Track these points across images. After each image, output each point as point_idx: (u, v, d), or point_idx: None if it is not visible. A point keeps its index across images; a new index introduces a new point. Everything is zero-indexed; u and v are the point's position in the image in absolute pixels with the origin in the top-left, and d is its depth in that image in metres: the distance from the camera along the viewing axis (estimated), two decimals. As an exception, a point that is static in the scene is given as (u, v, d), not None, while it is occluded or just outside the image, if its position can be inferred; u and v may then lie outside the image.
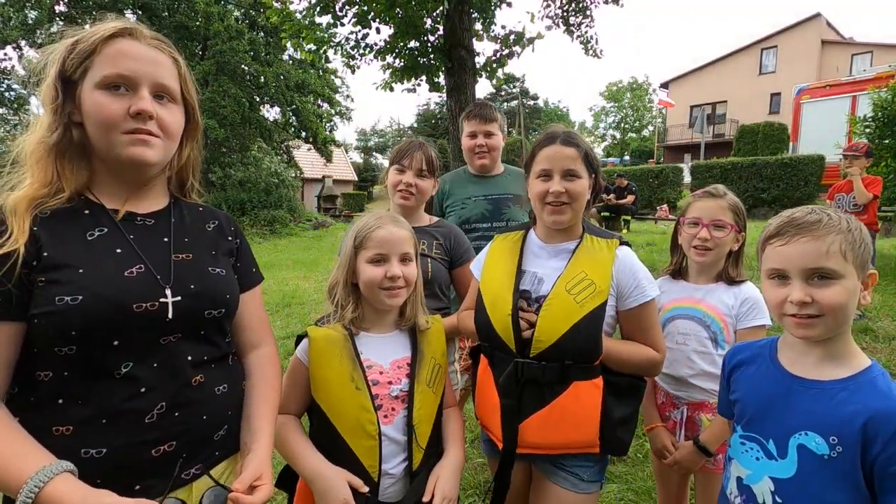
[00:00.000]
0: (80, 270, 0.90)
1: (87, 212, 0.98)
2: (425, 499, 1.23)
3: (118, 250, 0.96)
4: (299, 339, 1.33)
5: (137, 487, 0.93)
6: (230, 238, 1.18)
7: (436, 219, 2.11)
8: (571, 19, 7.64)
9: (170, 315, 0.96)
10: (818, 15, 25.39)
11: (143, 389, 0.93)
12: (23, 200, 0.92)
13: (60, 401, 0.90)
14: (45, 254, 0.89)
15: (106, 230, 0.97)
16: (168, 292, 0.97)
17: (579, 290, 1.33)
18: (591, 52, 7.91)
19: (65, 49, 0.94)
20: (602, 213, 10.87)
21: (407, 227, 1.36)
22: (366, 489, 1.20)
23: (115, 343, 0.91)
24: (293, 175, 19.55)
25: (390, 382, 1.26)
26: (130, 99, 0.94)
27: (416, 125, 45.69)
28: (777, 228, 1.06)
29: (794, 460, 1.02)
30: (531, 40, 6.68)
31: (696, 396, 1.68)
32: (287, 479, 1.37)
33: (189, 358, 1.01)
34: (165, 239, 1.04)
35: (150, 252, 1.00)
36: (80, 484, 0.83)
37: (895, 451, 0.91)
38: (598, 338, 1.33)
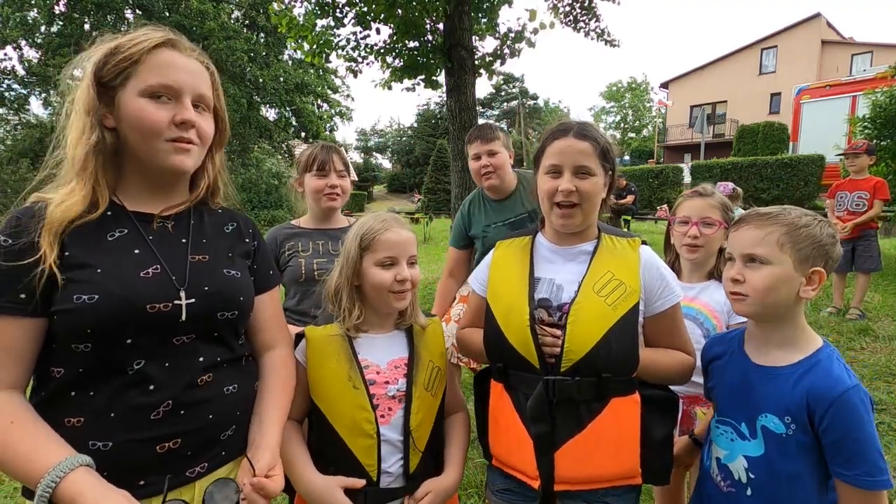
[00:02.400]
0: (99, 270, 0.93)
1: (109, 213, 1.00)
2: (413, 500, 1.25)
3: (136, 251, 0.99)
4: (298, 338, 1.32)
5: (142, 483, 0.94)
6: (247, 240, 1.19)
7: (353, 219, 2.15)
8: (581, 24, 7.65)
9: (183, 317, 0.98)
10: (818, 15, 25.37)
11: (151, 387, 0.95)
12: (63, 221, 0.93)
13: (73, 393, 0.93)
14: (67, 253, 0.92)
15: (126, 231, 1.00)
16: (182, 294, 0.99)
17: (609, 290, 1.20)
18: (608, 43, 7.92)
19: (102, 55, 0.97)
20: (602, 214, 10.88)
21: (410, 228, 1.35)
22: (362, 483, 1.20)
23: (129, 342, 0.93)
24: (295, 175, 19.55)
25: (387, 382, 1.26)
26: (174, 108, 0.99)
27: (416, 125, 45.66)
28: (739, 217, 1.19)
29: (761, 440, 1.12)
30: (535, 31, 6.68)
31: (690, 390, 1.70)
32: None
33: (201, 359, 1.02)
34: (183, 240, 1.06)
35: (167, 253, 1.02)
36: (98, 480, 0.85)
37: (829, 424, 1.02)
38: (635, 344, 1.20)
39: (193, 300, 0.99)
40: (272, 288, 1.23)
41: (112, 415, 0.92)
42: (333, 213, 2.04)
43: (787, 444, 1.08)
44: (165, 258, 1.01)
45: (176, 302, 0.97)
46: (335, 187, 1.95)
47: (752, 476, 1.13)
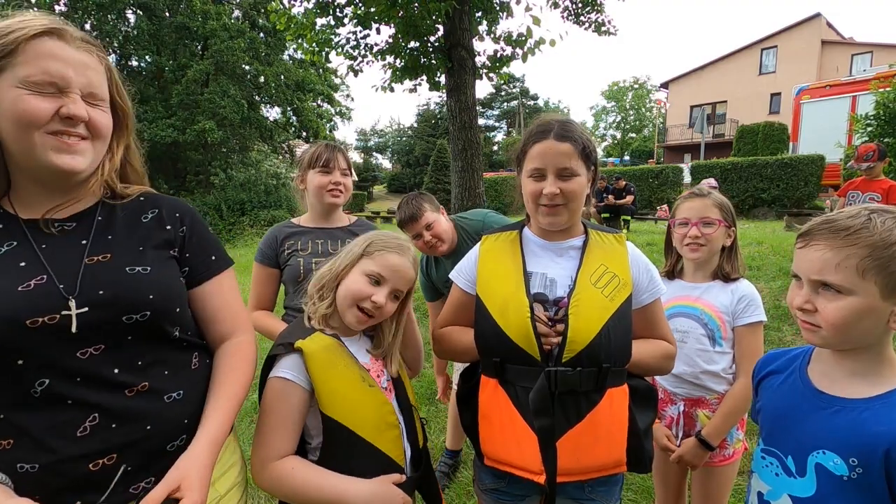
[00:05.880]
0: None
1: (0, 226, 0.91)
2: None
3: (21, 264, 0.89)
4: (269, 361, 1.18)
5: (78, 503, 0.88)
6: (169, 227, 1.06)
7: (354, 218, 2.19)
8: (583, 17, 7.63)
9: (73, 328, 0.88)
10: (818, 15, 25.36)
11: (69, 402, 0.88)
12: None
13: (1, 416, 0.87)
14: None
15: (15, 244, 0.91)
16: (72, 304, 0.88)
17: (604, 283, 1.23)
18: (603, 33, 7.90)
19: None
20: (602, 214, 10.88)
21: (417, 267, 1.32)
22: (405, 477, 1.20)
23: (20, 363, 0.85)
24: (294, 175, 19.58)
25: (378, 376, 1.25)
26: (60, 100, 0.88)
27: (416, 125, 45.68)
28: (807, 228, 0.98)
29: (813, 479, 0.95)
30: (538, 43, 6.65)
31: (694, 393, 1.72)
32: None
33: (116, 370, 0.92)
34: (84, 241, 0.96)
35: (58, 260, 0.92)
36: (9, 498, 0.80)
37: None
38: (630, 335, 1.23)
39: (86, 309, 0.89)
40: (217, 274, 1.11)
41: (34, 435, 0.85)
42: (335, 211, 2.05)
43: (847, 488, 0.91)
44: (55, 266, 0.91)
45: (64, 313, 0.87)
46: (338, 184, 1.98)
47: None
